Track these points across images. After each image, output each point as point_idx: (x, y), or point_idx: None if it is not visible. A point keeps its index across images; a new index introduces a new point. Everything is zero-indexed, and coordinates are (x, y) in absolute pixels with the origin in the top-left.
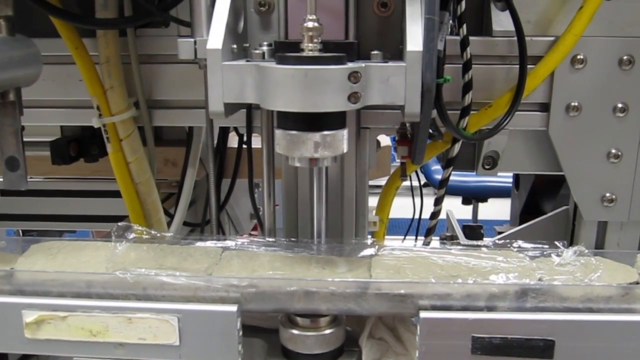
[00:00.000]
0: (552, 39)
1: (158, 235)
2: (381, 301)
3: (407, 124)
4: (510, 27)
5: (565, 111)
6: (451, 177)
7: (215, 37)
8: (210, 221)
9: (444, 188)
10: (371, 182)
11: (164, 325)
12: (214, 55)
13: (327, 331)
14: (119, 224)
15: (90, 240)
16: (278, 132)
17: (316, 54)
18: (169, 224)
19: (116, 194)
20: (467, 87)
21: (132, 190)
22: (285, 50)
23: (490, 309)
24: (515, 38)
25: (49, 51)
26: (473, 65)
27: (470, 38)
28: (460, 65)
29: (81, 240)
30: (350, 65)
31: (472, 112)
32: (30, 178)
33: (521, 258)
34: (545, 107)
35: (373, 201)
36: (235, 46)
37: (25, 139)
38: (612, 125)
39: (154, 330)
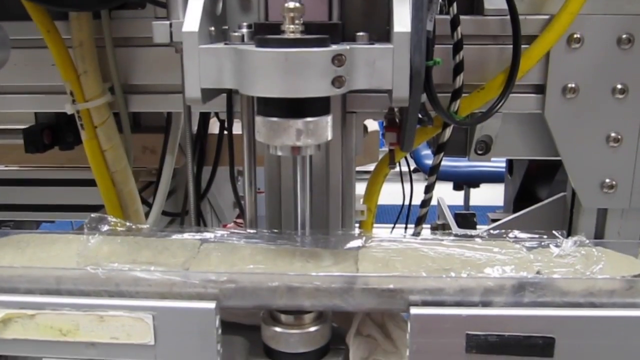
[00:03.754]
0: (547, 17)
1: (134, 227)
2: (369, 297)
3: (396, 109)
4: (503, 5)
5: (562, 93)
6: (442, 162)
7: (192, 19)
8: (189, 211)
9: (434, 175)
10: (358, 169)
11: (138, 324)
12: (190, 38)
13: (312, 328)
14: (92, 215)
15: (63, 233)
16: (258, 119)
17: (297, 36)
18: (148, 214)
19: (94, 183)
20: (458, 68)
21: (108, 180)
22: (265, 33)
23: (485, 304)
24: (509, 17)
25: (20, 35)
26: (464, 46)
27: (461, 17)
28: (451, 46)
29: (55, 232)
30: (334, 47)
31: (463, 94)
32: (5, 167)
33: (518, 249)
34: (540, 89)
35: (360, 189)
36: (213, 29)
37: None
38: (611, 107)
39: (128, 329)
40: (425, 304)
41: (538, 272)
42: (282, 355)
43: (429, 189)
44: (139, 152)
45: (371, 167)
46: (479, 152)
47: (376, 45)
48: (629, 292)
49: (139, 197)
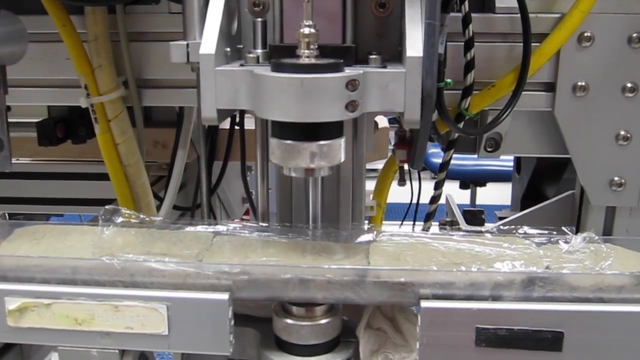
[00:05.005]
0: (557, 15)
1: (147, 219)
2: (380, 290)
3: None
4: (514, 3)
5: (572, 91)
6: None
7: (209, 41)
8: (201, 205)
9: (444, 172)
10: (368, 166)
11: (152, 314)
12: (207, 60)
13: (323, 321)
14: (107, 207)
15: (77, 224)
16: (272, 141)
17: (312, 60)
18: (159, 208)
19: (105, 177)
20: (470, 66)
21: (121, 173)
22: (280, 55)
23: (495, 298)
24: (519, 15)
25: (36, 29)
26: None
27: (472, 15)
28: (461, 43)
29: (67, 224)
30: (347, 72)
31: (473, 92)
32: (17, 160)
33: (527, 245)
34: (550, 87)
35: (370, 185)
36: (228, 49)
37: (10, 120)
38: (621, 105)
39: (142, 319)
40: (436, 297)
41: (547, 268)
42: (293, 346)
43: (438, 186)
44: (150, 146)
45: (380, 165)
46: (489, 149)
47: (389, 70)
48: (638, 288)
49: (151, 191)
